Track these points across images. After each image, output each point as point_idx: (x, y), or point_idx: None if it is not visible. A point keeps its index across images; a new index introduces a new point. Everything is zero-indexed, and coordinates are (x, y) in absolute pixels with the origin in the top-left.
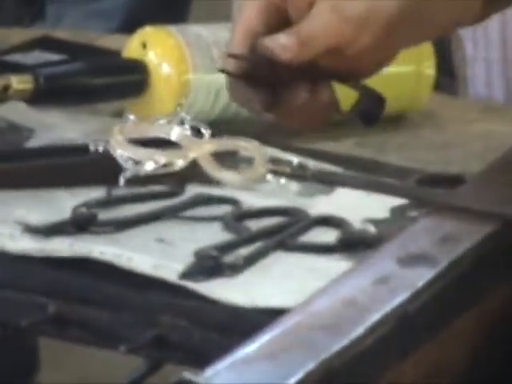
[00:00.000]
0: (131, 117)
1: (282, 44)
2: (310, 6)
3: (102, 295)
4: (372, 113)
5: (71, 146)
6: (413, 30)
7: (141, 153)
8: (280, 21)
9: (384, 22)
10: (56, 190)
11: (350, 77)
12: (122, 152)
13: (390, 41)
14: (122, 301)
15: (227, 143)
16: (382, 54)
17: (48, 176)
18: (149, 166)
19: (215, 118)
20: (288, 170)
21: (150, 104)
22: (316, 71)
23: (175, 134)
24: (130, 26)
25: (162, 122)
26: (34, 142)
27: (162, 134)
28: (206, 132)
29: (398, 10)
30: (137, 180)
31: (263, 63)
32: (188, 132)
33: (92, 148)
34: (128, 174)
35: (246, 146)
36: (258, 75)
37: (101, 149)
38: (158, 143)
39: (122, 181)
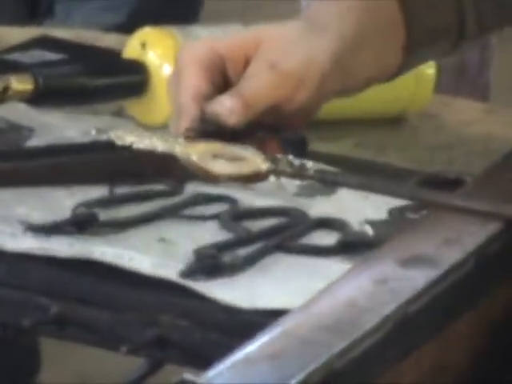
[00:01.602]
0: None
1: (228, 108)
2: (246, 63)
3: (103, 295)
4: (296, 155)
5: (71, 145)
6: (341, 82)
7: (141, 137)
8: (223, 78)
9: (318, 76)
10: (57, 189)
11: (283, 129)
12: (123, 135)
13: (321, 94)
14: (122, 301)
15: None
16: (313, 106)
17: (49, 175)
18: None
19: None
20: (288, 169)
21: (149, 104)
22: (255, 128)
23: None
24: (138, 20)
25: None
26: (34, 142)
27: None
28: None
29: (329, 63)
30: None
31: (213, 127)
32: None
33: (93, 133)
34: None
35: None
36: (212, 137)
37: (104, 137)
38: None
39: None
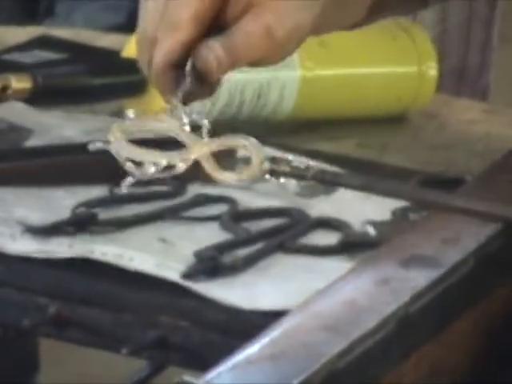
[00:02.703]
0: (131, 114)
1: (217, 58)
2: (247, 5)
3: (104, 296)
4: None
5: (71, 144)
6: (327, 24)
7: (142, 154)
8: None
9: (309, 28)
10: (56, 189)
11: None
12: (122, 152)
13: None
14: (123, 302)
15: (226, 142)
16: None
17: (48, 175)
18: (150, 170)
19: (214, 119)
20: (287, 169)
21: (148, 104)
22: None
23: (174, 129)
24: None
25: (160, 117)
26: (33, 142)
27: (159, 129)
28: (205, 126)
29: (313, 26)
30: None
31: (193, 76)
32: (187, 127)
33: (91, 148)
34: (129, 180)
35: (245, 144)
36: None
37: (99, 146)
38: (158, 141)
39: (123, 187)
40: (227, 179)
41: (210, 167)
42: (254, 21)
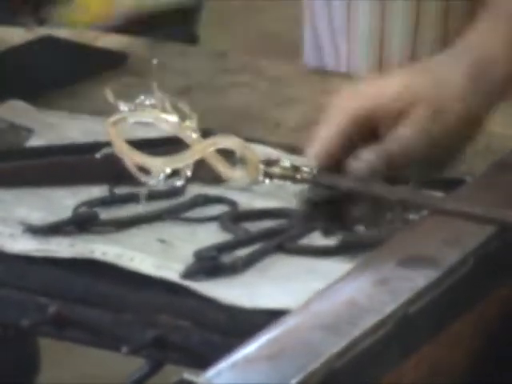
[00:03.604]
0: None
1: (372, 168)
2: (398, 115)
3: (103, 296)
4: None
5: (72, 145)
6: None
7: (146, 160)
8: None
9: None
10: (57, 189)
11: None
12: (127, 159)
13: None
14: (122, 301)
15: (222, 142)
16: None
17: (49, 175)
18: (160, 180)
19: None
20: (281, 171)
21: (76, 10)
22: None
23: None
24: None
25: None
26: (33, 142)
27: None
28: (192, 117)
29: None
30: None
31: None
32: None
33: (99, 156)
34: (145, 191)
35: (237, 145)
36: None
37: (106, 153)
38: (155, 140)
39: (142, 199)
40: (236, 177)
41: (219, 164)
42: (412, 129)
